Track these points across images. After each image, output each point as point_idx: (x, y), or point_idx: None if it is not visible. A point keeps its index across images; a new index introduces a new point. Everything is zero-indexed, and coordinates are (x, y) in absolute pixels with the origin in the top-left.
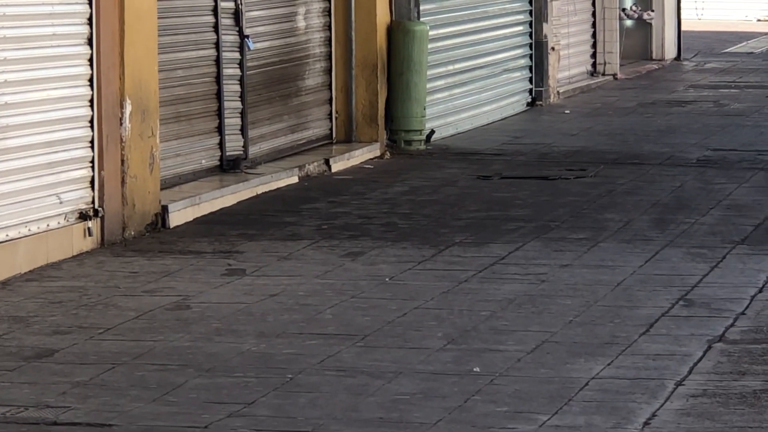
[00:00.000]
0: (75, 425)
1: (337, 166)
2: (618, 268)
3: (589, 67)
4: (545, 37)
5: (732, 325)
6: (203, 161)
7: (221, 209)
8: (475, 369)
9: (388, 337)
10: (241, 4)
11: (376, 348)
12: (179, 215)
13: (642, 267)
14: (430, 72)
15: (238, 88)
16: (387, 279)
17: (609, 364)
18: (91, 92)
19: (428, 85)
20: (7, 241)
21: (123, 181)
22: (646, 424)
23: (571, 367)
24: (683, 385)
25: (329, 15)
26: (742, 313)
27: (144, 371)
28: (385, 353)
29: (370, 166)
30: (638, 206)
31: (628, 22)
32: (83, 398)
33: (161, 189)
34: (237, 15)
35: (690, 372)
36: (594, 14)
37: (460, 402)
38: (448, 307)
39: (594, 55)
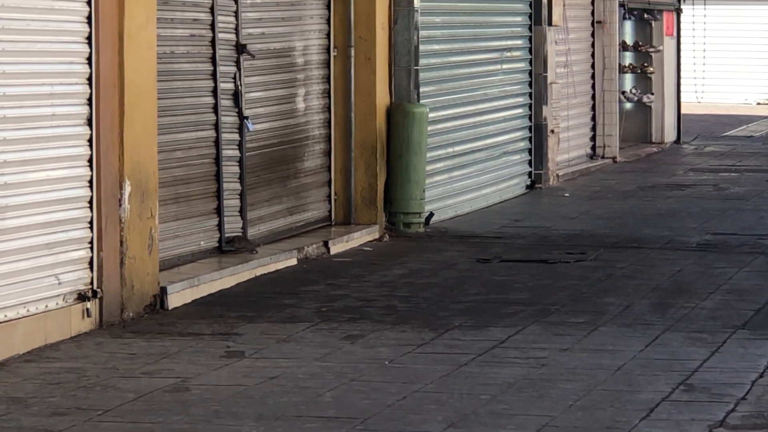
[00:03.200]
0: None
1: (336, 248)
2: (618, 352)
3: (589, 150)
4: (545, 119)
5: (733, 410)
6: (202, 242)
7: (220, 291)
8: None
9: (388, 420)
10: (241, 85)
11: (376, 431)
12: (178, 297)
13: (642, 351)
14: (429, 154)
15: (237, 169)
16: (387, 362)
17: None
18: (90, 173)
19: (427, 168)
20: (5, 321)
21: (122, 263)
22: None
23: None
24: None
25: (329, 96)
26: (743, 398)
27: None
28: None
29: (369, 249)
30: (638, 290)
31: (628, 105)
32: None
33: (160, 270)
34: (236, 96)
35: None
36: (593, 97)
37: None
38: (448, 390)
39: (593, 138)
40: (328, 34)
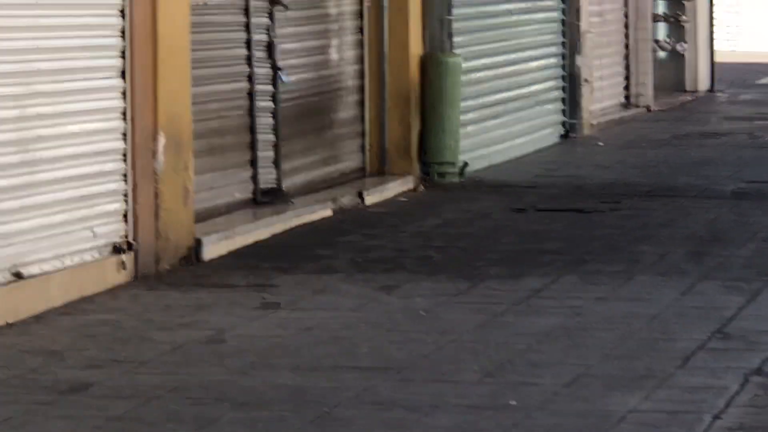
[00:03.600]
0: None
1: (370, 199)
2: (654, 300)
3: (622, 99)
4: (578, 69)
5: None
6: (236, 194)
7: (255, 243)
8: (511, 402)
9: (423, 370)
10: (274, 36)
11: (412, 381)
12: (213, 249)
13: (678, 300)
14: (462, 104)
15: (271, 120)
16: (422, 312)
17: (646, 398)
18: (124, 125)
19: (461, 118)
20: (41, 274)
21: (157, 215)
22: None
23: (608, 400)
24: (720, 418)
25: (362, 47)
26: None
27: (179, 405)
28: (421, 387)
29: (403, 199)
30: (673, 239)
31: (661, 54)
32: None
33: (195, 222)
34: (270, 48)
35: (727, 405)
36: (627, 46)
37: None
38: (484, 340)
39: (627, 87)
40: None
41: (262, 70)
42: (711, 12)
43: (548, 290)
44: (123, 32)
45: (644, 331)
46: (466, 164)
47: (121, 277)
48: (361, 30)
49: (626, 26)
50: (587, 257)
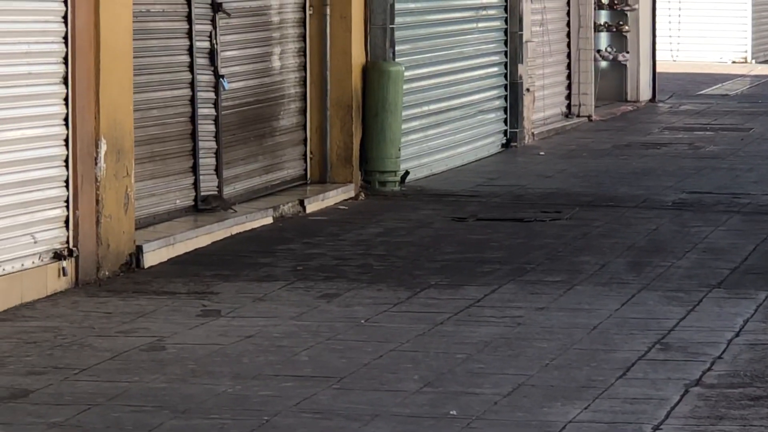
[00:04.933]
0: None
1: (311, 207)
2: (594, 311)
3: (564, 109)
4: (520, 78)
5: (709, 369)
6: (177, 201)
7: (196, 249)
8: (451, 412)
9: (364, 379)
10: (217, 44)
11: (352, 390)
12: (154, 255)
13: (618, 310)
14: (404, 113)
15: (213, 127)
16: (362, 321)
17: (586, 408)
18: (66, 131)
19: (403, 126)
20: None
21: (98, 221)
22: None
23: (548, 410)
24: (660, 429)
25: (304, 55)
26: (719, 357)
27: (120, 412)
28: (361, 396)
29: (344, 207)
30: (614, 249)
31: (603, 64)
32: None
33: (136, 229)
34: (212, 55)
35: (667, 416)
36: (569, 55)
37: None
38: (424, 349)
39: (569, 97)
40: None
41: (205, 77)
42: (653, 22)
43: (488, 300)
44: (66, 38)
45: (585, 341)
46: (407, 173)
47: (61, 284)
48: (303, 38)
49: (568, 35)
50: (528, 267)
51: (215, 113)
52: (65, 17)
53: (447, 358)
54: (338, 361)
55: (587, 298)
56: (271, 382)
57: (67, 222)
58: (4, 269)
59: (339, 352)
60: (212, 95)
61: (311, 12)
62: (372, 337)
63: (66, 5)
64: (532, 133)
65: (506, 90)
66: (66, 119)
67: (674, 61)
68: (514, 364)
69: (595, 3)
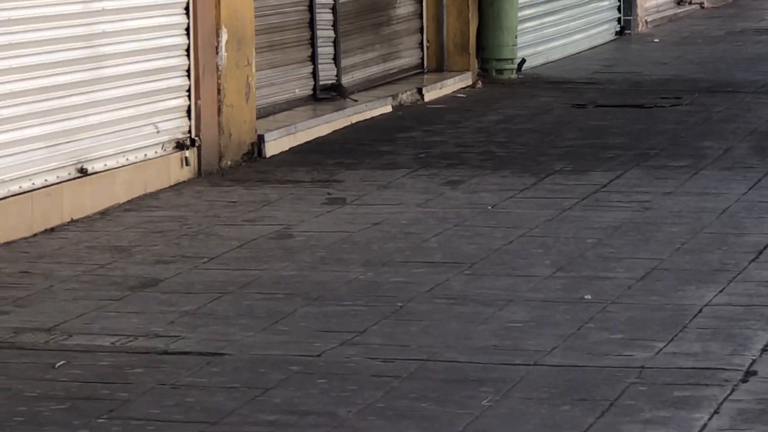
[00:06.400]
0: (186, 354)
1: (429, 95)
2: (721, 195)
3: None
4: None
5: None
6: (297, 90)
7: (316, 138)
8: (586, 296)
9: (495, 264)
10: None
11: (484, 276)
12: (275, 144)
13: (746, 194)
14: (520, 1)
15: (330, 16)
16: (489, 207)
17: (721, 291)
18: (187, 20)
19: (518, 14)
20: (105, 170)
21: (219, 111)
22: (764, 350)
23: (682, 294)
24: None
25: None
26: None
27: (251, 300)
28: (493, 281)
29: (462, 95)
30: (736, 134)
31: None
32: (192, 328)
33: (256, 118)
34: None
35: None
36: None
37: (573, 329)
38: (554, 234)
39: None
40: None
41: None
42: None
43: (614, 185)
44: None
45: (714, 225)
46: (523, 60)
47: (184, 173)
48: None
49: None
50: (651, 152)
51: (333, 1)
52: None
53: (577, 242)
54: (468, 246)
55: (713, 183)
56: (401, 269)
57: (188, 111)
58: (128, 159)
59: (468, 238)
60: None
61: None
62: (500, 223)
63: None
64: (645, 21)
65: None
66: (187, 8)
67: None
68: (645, 248)
69: None
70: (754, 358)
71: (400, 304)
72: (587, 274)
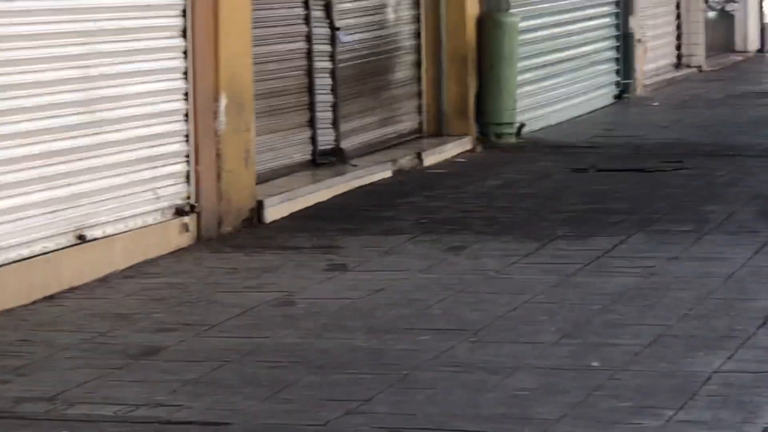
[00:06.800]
0: (190, 424)
1: (429, 159)
2: (727, 260)
3: (674, 60)
4: (632, 29)
5: None
6: (295, 155)
7: (316, 204)
8: (593, 364)
9: (500, 331)
10: None
11: (489, 343)
12: (275, 210)
13: (751, 259)
14: (519, 65)
15: (329, 81)
16: (493, 273)
17: (729, 358)
18: (186, 85)
19: (518, 78)
20: (104, 237)
21: (219, 176)
22: None
23: (691, 360)
24: None
25: (419, 7)
26: None
27: (255, 368)
28: (499, 348)
29: (462, 160)
30: (739, 198)
31: (711, 14)
32: (195, 396)
33: (255, 184)
34: (328, 7)
35: None
36: (678, 6)
37: (581, 397)
38: (559, 300)
39: (678, 47)
40: None
41: (321, 30)
42: None
43: (618, 250)
44: None
45: (721, 290)
46: (522, 125)
47: (183, 240)
48: None
49: None
50: (654, 217)
51: (331, 66)
52: None
53: (583, 309)
54: (472, 313)
55: (718, 247)
56: (405, 336)
57: (188, 177)
58: (127, 225)
59: (472, 305)
60: (328, 48)
61: None
62: (504, 289)
63: None
64: (644, 84)
65: (618, 41)
66: (186, 73)
67: None
68: (651, 314)
69: None
70: (765, 425)
71: (405, 371)
72: (594, 340)
